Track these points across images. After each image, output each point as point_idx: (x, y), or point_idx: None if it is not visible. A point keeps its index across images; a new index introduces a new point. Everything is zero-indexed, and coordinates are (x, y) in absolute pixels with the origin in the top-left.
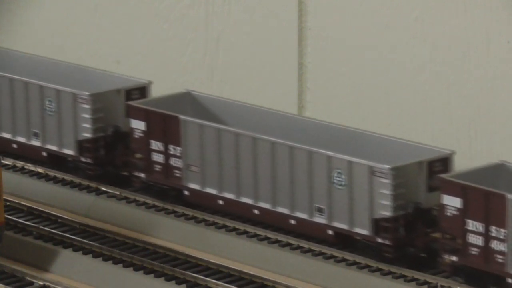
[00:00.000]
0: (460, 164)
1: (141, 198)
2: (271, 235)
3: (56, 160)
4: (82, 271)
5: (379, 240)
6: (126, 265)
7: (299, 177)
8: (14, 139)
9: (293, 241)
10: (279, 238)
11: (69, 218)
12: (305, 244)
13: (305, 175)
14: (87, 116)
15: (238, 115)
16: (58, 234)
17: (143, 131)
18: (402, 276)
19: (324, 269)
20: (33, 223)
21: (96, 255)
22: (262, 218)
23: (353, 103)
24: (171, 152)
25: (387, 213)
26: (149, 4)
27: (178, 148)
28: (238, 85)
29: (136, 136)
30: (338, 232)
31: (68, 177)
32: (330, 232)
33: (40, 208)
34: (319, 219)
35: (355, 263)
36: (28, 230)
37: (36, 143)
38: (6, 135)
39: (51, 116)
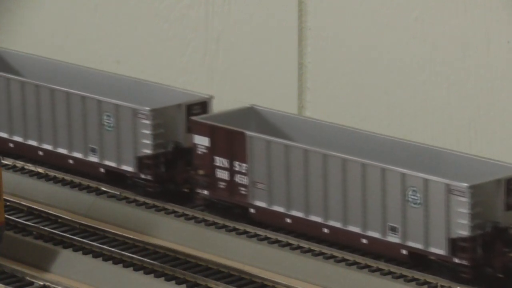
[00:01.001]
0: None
1: (141, 198)
2: (271, 235)
3: (114, 177)
4: (82, 271)
5: (456, 260)
6: (126, 265)
7: (372, 195)
8: (70, 154)
9: (293, 241)
10: (279, 238)
11: (69, 218)
12: (305, 244)
13: (378, 193)
14: (147, 132)
15: (303, 130)
16: (58, 234)
17: (207, 147)
18: (402, 276)
19: (324, 269)
20: (33, 223)
21: (96, 255)
22: (331, 237)
23: (353, 103)
24: (236, 169)
25: (464, 232)
26: (149, 4)
27: (243, 164)
28: (238, 85)
29: (199, 152)
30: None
31: (68, 177)
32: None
33: (40, 208)
34: (393, 239)
35: (355, 263)
36: (28, 230)
37: (93, 159)
38: (62, 151)
39: (110, 131)
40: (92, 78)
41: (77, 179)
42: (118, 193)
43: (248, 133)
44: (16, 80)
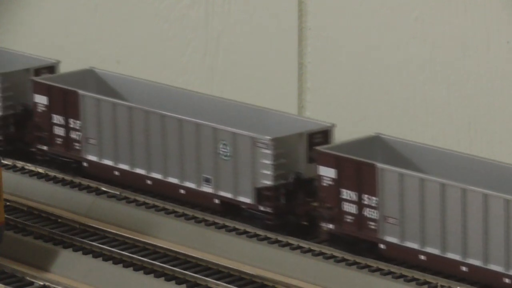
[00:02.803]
0: None
1: (141, 198)
2: (271, 235)
3: (230, 208)
4: (82, 271)
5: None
6: (126, 265)
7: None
8: (182, 184)
9: (293, 241)
10: (279, 238)
11: (69, 218)
12: (305, 244)
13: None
14: (267, 162)
15: (434, 161)
16: (58, 234)
17: (333, 179)
18: (402, 276)
19: (324, 269)
20: (33, 223)
21: (96, 255)
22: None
23: (353, 103)
24: (365, 202)
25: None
26: (149, 4)
27: (373, 198)
28: (238, 85)
29: (324, 184)
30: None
31: (68, 177)
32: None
33: (40, 208)
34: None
35: (355, 263)
36: (28, 230)
37: (207, 189)
38: (173, 180)
39: (226, 161)
40: (206, 104)
41: (77, 179)
42: (118, 193)
43: (379, 165)
44: (124, 105)
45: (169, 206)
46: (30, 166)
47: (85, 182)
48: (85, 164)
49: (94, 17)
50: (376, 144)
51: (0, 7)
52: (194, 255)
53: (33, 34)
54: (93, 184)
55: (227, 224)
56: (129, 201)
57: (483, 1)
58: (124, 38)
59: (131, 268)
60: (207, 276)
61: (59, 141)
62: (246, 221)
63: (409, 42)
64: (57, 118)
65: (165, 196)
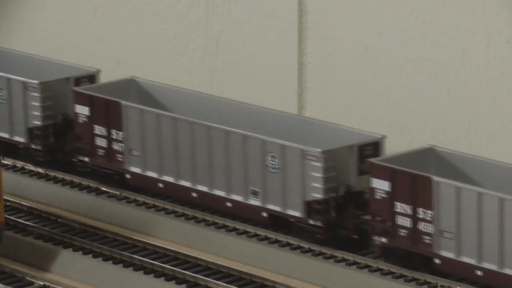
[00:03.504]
0: None
1: (141, 198)
2: (271, 235)
3: (278, 222)
4: (82, 271)
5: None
6: (126, 265)
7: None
8: (228, 197)
9: (293, 241)
10: (279, 238)
11: (69, 218)
12: (305, 244)
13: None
14: (318, 175)
15: (491, 174)
16: (58, 234)
17: (387, 192)
18: (402, 276)
19: (324, 269)
20: (33, 223)
21: (96, 255)
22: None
23: (353, 103)
24: (420, 216)
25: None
26: (149, 4)
27: (428, 211)
28: (238, 85)
29: (377, 197)
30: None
31: (68, 177)
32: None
33: (40, 208)
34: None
35: (355, 263)
36: (28, 230)
37: (255, 202)
38: (219, 193)
39: (274, 173)
40: (253, 115)
41: (77, 179)
42: (118, 193)
43: (435, 178)
44: (168, 116)
45: (169, 206)
46: (30, 166)
47: (85, 182)
48: (128, 176)
49: (94, 17)
50: (429, 156)
51: (0, 7)
52: (194, 255)
53: (33, 34)
54: (93, 184)
55: (227, 224)
56: (129, 201)
57: (483, 1)
58: (124, 38)
59: (131, 268)
60: (207, 276)
61: (101, 152)
62: (295, 235)
63: (409, 42)
64: (99, 129)
65: (211, 209)
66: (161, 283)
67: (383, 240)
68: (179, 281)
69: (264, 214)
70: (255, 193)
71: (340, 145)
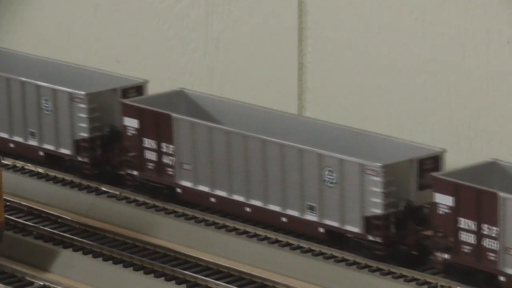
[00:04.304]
0: (460, 164)
1: (141, 198)
2: (271, 235)
3: (335, 237)
4: (82, 271)
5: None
6: (126, 265)
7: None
8: (284, 212)
9: (293, 241)
10: (279, 238)
11: (69, 218)
12: (305, 244)
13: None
14: (377, 189)
15: None
16: (58, 234)
17: (450, 207)
18: (402, 276)
19: (324, 269)
20: (33, 223)
21: (96, 255)
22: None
23: (353, 103)
24: (485, 232)
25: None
26: (149, 4)
27: (494, 228)
28: (238, 85)
29: (440, 213)
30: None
31: (68, 177)
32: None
33: (40, 208)
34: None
35: (355, 263)
36: (28, 230)
37: (311, 217)
38: (274, 208)
39: (331, 188)
40: (308, 128)
41: (77, 179)
42: (118, 193)
43: (501, 194)
44: (221, 129)
45: (169, 206)
46: (30, 166)
47: (85, 182)
48: (178, 190)
49: (94, 17)
50: (493, 170)
51: (0, 7)
52: (194, 255)
53: (33, 34)
54: (93, 184)
55: (227, 224)
56: (129, 201)
57: (483, 1)
58: (124, 38)
59: (131, 268)
60: (207, 276)
61: (150, 166)
62: (353, 251)
63: (409, 42)
64: (148, 142)
65: (265, 224)
66: (161, 283)
67: (446, 256)
68: (179, 281)
69: (321, 230)
70: (311, 208)
71: (400, 159)
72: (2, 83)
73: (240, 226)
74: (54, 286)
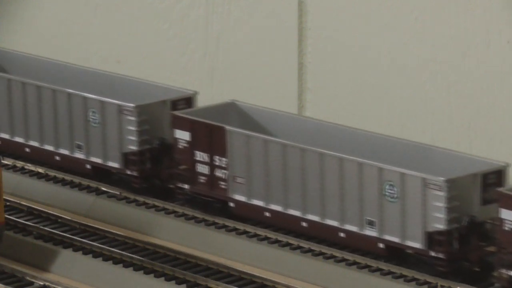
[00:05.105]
0: None
1: (141, 198)
2: (271, 235)
3: (395, 252)
4: (82, 271)
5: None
6: (126, 265)
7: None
8: (342, 227)
9: (293, 241)
10: (279, 238)
11: (69, 218)
12: (305, 244)
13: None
14: (440, 204)
15: None
16: (58, 234)
17: None
18: (402, 276)
19: (324, 269)
20: (33, 223)
21: (96, 255)
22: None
23: (353, 103)
24: None
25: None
26: (149, 4)
27: None
28: (238, 85)
29: (506, 229)
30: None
31: (68, 177)
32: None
33: (40, 208)
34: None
35: (355, 263)
36: (28, 230)
37: (371, 233)
38: (332, 223)
39: (392, 203)
40: (368, 141)
41: (77, 179)
42: (118, 193)
43: None
44: (277, 142)
45: (169, 206)
46: (30, 166)
47: (85, 182)
48: (231, 204)
49: (94, 17)
50: None
51: (0, 7)
52: (194, 255)
53: (33, 34)
54: (93, 184)
55: (227, 224)
56: (129, 201)
57: (483, 1)
58: (124, 38)
59: (131, 268)
60: (207, 276)
61: (202, 179)
62: (414, 267)
63: (409, 42)
64: (200, 155)
65: (322, 239)
66: (161, 283)
67: (511, 273)
68: (179, 281)
69: (381, 245)
70: (371, 223)
71: (464, 173)
72: (48, 94)
73: (240, 226)
74: (54, 286)
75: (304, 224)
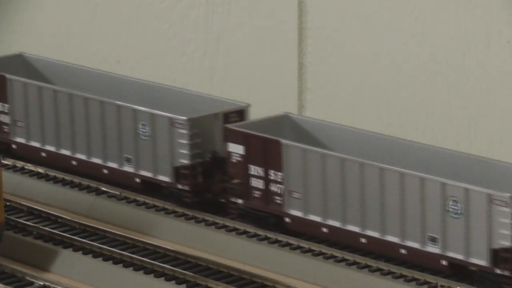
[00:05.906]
0: None
1: (141, 198)
2: (271, 235)
3: (459, 270)
4: (82, 271)
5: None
6: (126, 265)
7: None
8: (403, 243)
9: (293, 241)
10: (279, 238)
11: (69, 218)
12: (305, 244)
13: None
14: (507, 221)
15: None
16: (58, 234)
17: None
18: (402, 276)
19: (324, 269)
20: (33, 223)
21: (96, 255)
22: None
23: (353, 103)
24: None
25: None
26: (149, 4)
27: None
28: (238, 85)
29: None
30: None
31: (68, 177)
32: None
33: (40, 208)
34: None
35: (355, 263)
36: (28, 230)
37: (433, 249)
38: (392, 239)
39: (456, 219)
40: (428, 155)
41: (77, 179)
42: (118, 193)
43: None
44: (336, 157)
45: (169, 206)
46: (30, 166)
47: (85, 182)
48: (287, 219)
49: (94, 17)
50: None
51: (0, 7)
52: (194, 255)
53: (33, 34)
54: (93, 184)
55: (227, 224)
56: (129, 201)
57: (483, 1)
58: (124, 38)
59: (131, 268)
60: (207, 276)
61: (256, 194)
62: (479, 285)
63: (409, 42)
64: (255, 169)
65: (383, 256)
66: (161, 283)
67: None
68: (179, 281)
69: (444, 263)
70: (433, 240)
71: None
72: (96, 106)
73: (240, 226)
74: (54, 286)
75: (363, 240)
